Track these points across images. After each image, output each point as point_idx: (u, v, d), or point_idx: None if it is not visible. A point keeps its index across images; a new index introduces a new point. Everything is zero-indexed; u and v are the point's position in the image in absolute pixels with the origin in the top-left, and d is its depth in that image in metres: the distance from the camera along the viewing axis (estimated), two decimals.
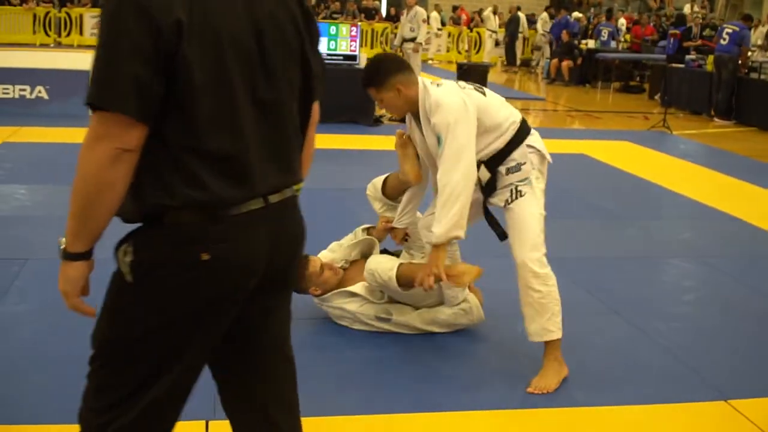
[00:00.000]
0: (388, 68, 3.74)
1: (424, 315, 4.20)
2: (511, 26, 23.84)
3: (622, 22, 22.54)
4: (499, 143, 3.76)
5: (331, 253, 4.38)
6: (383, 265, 4.01)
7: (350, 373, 3.79)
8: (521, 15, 24.05)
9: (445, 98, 3.63)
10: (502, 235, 3.88)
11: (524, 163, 3.77)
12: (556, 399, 3.59)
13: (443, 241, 3.61)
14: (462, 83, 3.88)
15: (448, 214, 3.54)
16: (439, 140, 3.61)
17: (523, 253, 3.68)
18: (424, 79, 3.79)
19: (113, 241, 2.03)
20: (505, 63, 24.06)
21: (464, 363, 3.95)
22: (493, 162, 3.78)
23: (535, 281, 3.67)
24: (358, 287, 4.18)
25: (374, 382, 3.71)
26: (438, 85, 3.76)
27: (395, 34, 15.71)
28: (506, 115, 3.81)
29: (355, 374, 3.79)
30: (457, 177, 3.54)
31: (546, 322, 3.69)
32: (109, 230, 1.97)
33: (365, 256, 4.32)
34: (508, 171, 3.77)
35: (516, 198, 3.75)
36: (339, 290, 4.18)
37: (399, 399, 3.53)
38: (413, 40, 13.83)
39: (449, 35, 25.25)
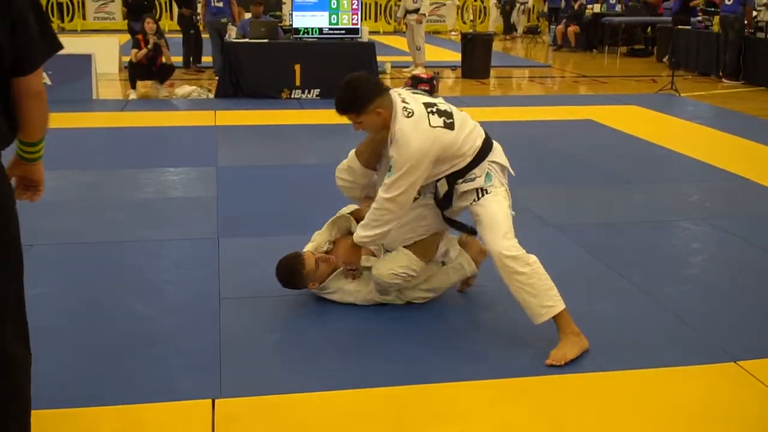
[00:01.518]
0: (367, 93, 3.72)
1: (419, 278, 4.19)
2: None
3: None
4: (460, 165, 3.83)
5: (311, 244, 4.33)
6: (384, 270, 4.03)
7: (346, 345, 3.80)
8: None
9: (410, 139, 3.65)
10: (473, 231, 4.03)
11: (477, 177, 3.83)
12: (564, 365, 3.57)
13: (361, 243, 3.92)
14: (435, 110, 3.78)
15: (373, 231, 3.83)
16: (390, 168, 3.73)
17: (497, 242, 3.69)
18: (397, 104, 3.74)
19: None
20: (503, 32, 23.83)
21: (465, 333, 3.94)
22: (453, 177, 3.85)
23: (516, 265, 3.65)
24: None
25: (372, 352, 3.71)
26: (409, 113, 3.70)
27: (399, 6, 15.62)
28: (469, 144, 3.82)
29: (350, 346, 3.80)
30: (392, 206, 3.75)
31: (542, 300, 3.66)
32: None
33: (345, 232, 4.33)
34: (466, 182, 3.84)
35: (482, 195, 3.79)
36: (333, 275, 4.16)
37: (392, 371, 3.53)
38: (417, 11, 13.76)
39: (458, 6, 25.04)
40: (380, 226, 3.81)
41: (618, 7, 20.19)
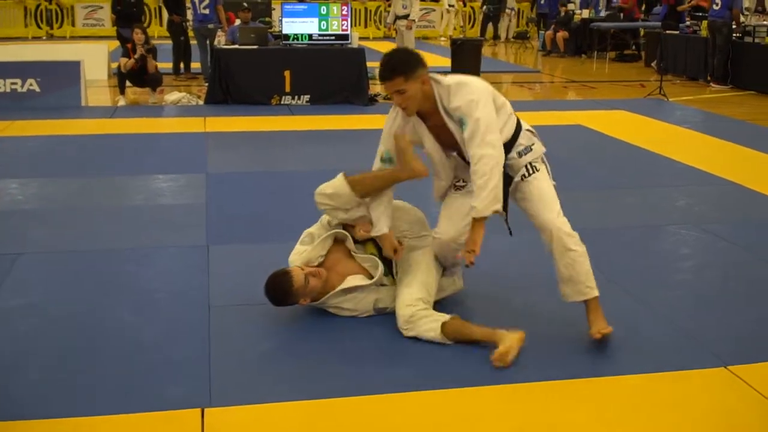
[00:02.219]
0: (417, 60, 3.75)
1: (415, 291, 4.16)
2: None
3: None
4: (510, 125, 3.84)
5: (299, 256, 4.19)
6: (424, 327, 3.86)
7: (337, 353, 3.77)
8: None
9: (464, 79, 3.72)
10: (510, 232, 4.01)
11: (533, 144, 3.90)
12: (555, 371, 3.57)
13: (485, 214, 3.65)
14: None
15: (486, 188, 3.61)
16: (462, 122, 3.66)
17: (553, 218, 3.79)
18: (434, 75, 3.79)
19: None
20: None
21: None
22: (505, 148, 3.79)
23: (570, 242, 3.79)
24: (348, 282, 4.09)
25: (363, 360, 3.70)
26: (444, 75, 3.80)
27: (389, 12, 15.63)
28: (508, 104, 3.88)
29: (341, 354, 3.77)
30: (490, 151, 3.61)
31: (587, 280, 3.84)
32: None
33: (338, 242, 4.23)
34: (520, 154, 3.85)
35: (533, 172, 3.86)
36: (332, 293, 4.06)
37: (384, 378, 3.52)
38: (406, 17, 13.77)
39: (447, 11, 25.06)
40: (490, 178, 3.61)
41: (603, 13, 20.28)
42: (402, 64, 3.71)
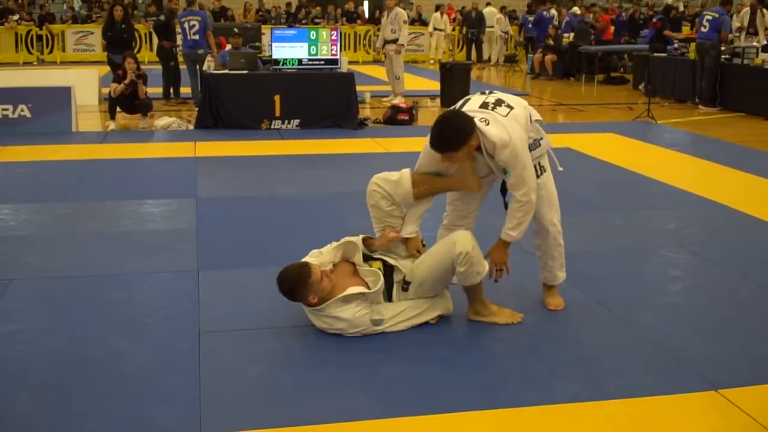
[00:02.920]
0: (468, 131, 4.01)
1: (411, 309, 4.27)
2: (473, 24, 23.81)
3: (575, 10, 22.69)
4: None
5: (314, 259, 4.34)
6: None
7: (328, 378, 3.77)
8: (490, 11, 24.22)
9: (503, 138, 4.01)
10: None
11: (541, 138, 4.35)
12: (546, 395, 3.57)
13: (514, 240, 4.26)
14: (493, 105, 4.18)
15: (522, 225, 4.20)
16: (505, 171, 4.09)
17: (552, 216, 4.45)
18: (475, 121, 4.04)
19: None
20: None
21: (450, 363, 3.94)
22: None
23: (560, 238, 4.54)
24: (350, 290, 4.16)
25: (355, 384, 3.69)
26: (486, 122, 4.05)
27: (378, 37, 15.69)
28: (523, 105, 4.32)
29: (332, 379, 3.76)
30: (533, 196, 4.15)
31: (561, 267, 4.62)
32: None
33: (345, 257, 4.39)
34: (530, 148, 4.21)
35: (541, 174, 4.34)
36: (334, 299, 4.12)
37: (376, 403, 3.51)
38: (395, 41, 13.83)
39: (431, 34, 25.23)
40: (525, 218, 4.21)
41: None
42: (455, 140, 4.02)
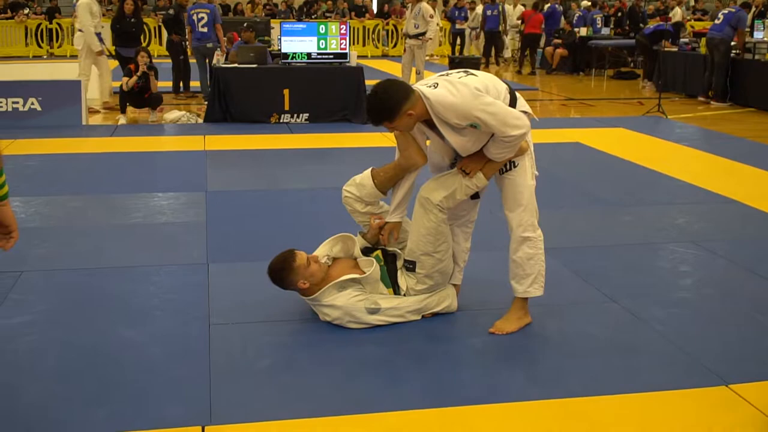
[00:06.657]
0: (398, 99, 3.81)
1: (410, 300, 4.27)
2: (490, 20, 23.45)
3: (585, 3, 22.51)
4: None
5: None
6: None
7: (338, 370, 3.77)
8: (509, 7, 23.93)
9: (451, 99, 3.78)
10: (476, 195, 4.23)
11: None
12: (553, 390, 3.57)
13: (494, 158, 3.97)
14: (452, 75, 3.97)
15: (507, 150, 3.92)
16: (475, 126, 3.82)
17: (518, 216, 4.07)
18: (419, 87, 3.88)
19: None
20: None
21: (455, 356, 3.93)
22: None
23: (525, 244, 4.09)
24: (345, 277, 4.20)
25: (364, 377, 3.70)
26: (435, 86, 3.85)
27: (387, 31, 15.62)
28: (498, 86, 4.01)
29: (342, 371, 3.77)
30: (515, 132, 3.81)
31: (531, 283, 4.13)
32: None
33: (346, 253, 4.42)
34: None
35: (510, 168, 4.06)
36: (327, 286, 4.15)
37: (387, 395, 3.52)
38: (417, 36, 13.73)
39: (441, 29, 25.16)
40: (510, 147, 3.92)
41: (605, 30, 20.33)
42: (386, 110, 3.83)
